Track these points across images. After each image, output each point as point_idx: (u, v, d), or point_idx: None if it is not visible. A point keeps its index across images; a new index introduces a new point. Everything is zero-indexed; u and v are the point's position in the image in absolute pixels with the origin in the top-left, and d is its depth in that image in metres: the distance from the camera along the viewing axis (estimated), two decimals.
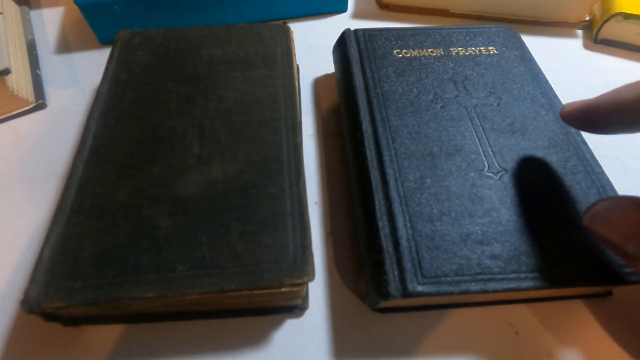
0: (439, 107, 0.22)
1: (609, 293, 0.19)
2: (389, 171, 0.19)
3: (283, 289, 0.16)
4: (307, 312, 0.19)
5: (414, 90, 0.23)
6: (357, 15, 0.34)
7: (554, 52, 0.31)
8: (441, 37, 0.26)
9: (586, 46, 0.31)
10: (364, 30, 0.26)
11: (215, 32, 0.26)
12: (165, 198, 0.18)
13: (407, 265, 0.17)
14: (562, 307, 0.19)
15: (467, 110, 0.22)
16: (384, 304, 0.17)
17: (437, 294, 0.16)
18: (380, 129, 0.21)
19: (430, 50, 0.25)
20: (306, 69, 0.30)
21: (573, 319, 0.19)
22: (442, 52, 0.25)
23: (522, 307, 0.19)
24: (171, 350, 0.18)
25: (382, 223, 0.18)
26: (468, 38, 0.26)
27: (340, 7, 0.34)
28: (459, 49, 0.25)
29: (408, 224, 0.18)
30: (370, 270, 0.17)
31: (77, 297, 0.15)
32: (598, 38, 0.31)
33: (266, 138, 0.21)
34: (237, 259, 0.16)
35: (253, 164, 0.19)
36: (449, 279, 0.16)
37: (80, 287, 0.15)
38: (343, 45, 0.26)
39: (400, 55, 0.25)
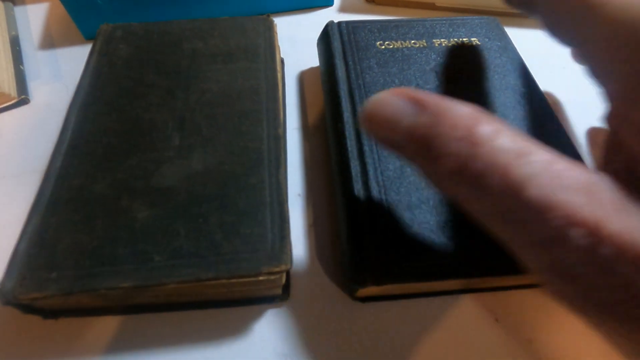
0: None
1: None
2: (369, 161, 0.19)
3: (261, 278, 0.16)
4: (288, 302, 0.19)
5: (396, 81, 0.23)
6: (343, 9, 0.34)
7: (539, 43, 0.31)
8: (424, 28, 0.26)
9: None
10: (347, 23, 0.26)
11: (197, 25, 0.26)
12: (143, 190, 0.18)
13: (385, 253, 0.17)
14: (542, 294, 0.19)
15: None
16: (361, 292, 0.17)
17: (412, 278, 0.16)
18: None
19: (413, 41, 0.25)
20: (292, 63, 0.30)
21: (552, 304, 0.19)
22: (425, 44, 0.25)
23: (502, 295, 0.19)
24: (151, 342, 0.18)
25: (361, 210, 0.18)
26: (451, 29, 0.26)
27: (327, 1, 0.34)
28: (442, 40, 0.25)
29: (387, 213, 0.18)
30: (348, 258, 0.17)
31: (53, 288, 0.15)
32: None
33: (247, 130, 0.20)
34: (215, 248, 0.16)
35: (233, 155, 0.19)
36: (422, 263, 0.16)
37: (56, 277, 0.15)
38: (326, 38, 0.26)
39: (383, 47, 0.25)
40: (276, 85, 0.23)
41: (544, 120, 0.21)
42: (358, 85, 0.23)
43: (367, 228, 0.17)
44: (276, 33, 0.26)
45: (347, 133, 0.21)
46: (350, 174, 0.19)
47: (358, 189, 0.19)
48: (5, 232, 0.21)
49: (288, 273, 0.19)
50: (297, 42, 0.31)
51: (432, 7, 0.34)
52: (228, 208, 0.17)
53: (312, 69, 0.29)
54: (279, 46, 0.28)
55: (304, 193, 0.23)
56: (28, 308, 0.16)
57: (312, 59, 0.30)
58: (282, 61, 0.29)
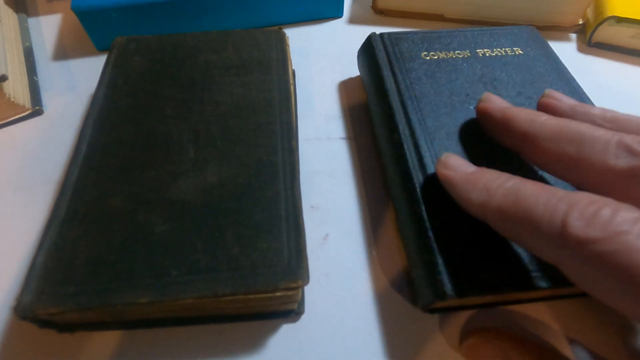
0: (471, 107, 0.22)
1: None
2: (431, 171, 0.19)
3: (278, 293, 0.16)
4: (303, 317, 0.19)
5: (446, 91, 0.23)
6: (352, 20, 0.34)
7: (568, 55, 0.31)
8: (466, 39, 0.26)
9: (580, 49, 0.32)
10: (390, 34, 0.26)
11: (211, 37, 0.26)
12: (160, 203, 0.18)
13: (460, 264, 0.17)
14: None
15: None
16: (439, 304, 0.17)
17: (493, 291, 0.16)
18: (417, 131, 0.21)
19: (457, 52, 0.25)
20: (304, 73, 0.30)
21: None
22: (469, 54, 0.25)
23: (561, 303, 0.19)
24: (167, 356, 0.17)
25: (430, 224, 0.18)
26: (492, 39, 0.26)
27: (336, 13, 0.34)
28: (485, 50, 0.26)
29: None
30: (421, 271, 0.17)
31: (71, 303, 0.15)
32: (591, 41, 0.31)
33: (262, 142, 0.21)
34: (232, 263, 0.16)
35: (248, 168, 0.19)
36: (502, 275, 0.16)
37: (74, 292, 0.15)
38: (370, 50, 0.26)
39: (429, 58, 0.25)
40: (289, 97, 0.23)
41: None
42: (410, 97, 0.23)
43: (440, 241, 0.17)
44: (288, 45, 0.26)
45: (404, 144, 0.21)
46: (414, 185, 0.19)
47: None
48: (20, 244, 0.21)
49: (303, 287, 0.19)
50: (308, 53, 0.31)
51: (442, 18, 0.34)
52: (244, 221, 0.17)
53: (322, 80, 0.30)
54: (291, 58, 0.28)
55: (317, 205, 0.23)
56: (44, 322, 0.16)
57: (323, 69, 0.30)
58: (293, 72, 0.29)
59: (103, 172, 0.19)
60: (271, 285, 0.16)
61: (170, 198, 0.18)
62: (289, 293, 0.16)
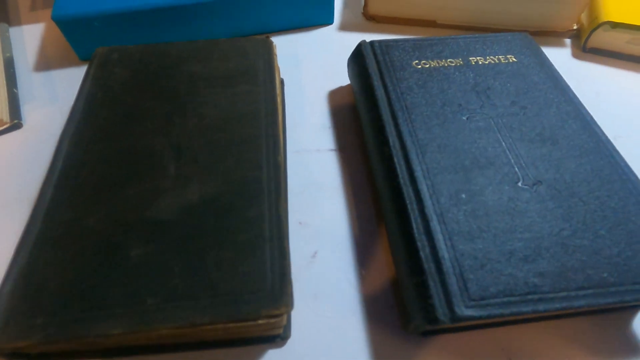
0: (464, 118, 0.21)
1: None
2: (423, 187, 0.19)
3: (260, 321, 0.15)
4: (290, 342, 0.18)
5: (438, 101, 0.22)
6: (343, 27, 0.33)
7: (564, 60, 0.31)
8: (458, 46, 0.26)
9: (575, 55, 0.31)
10: (380, 42, 0.26)
11: (197, 47, 0.25)
12: (137, 224, 0.17)
13: (453, 287, 0.16)
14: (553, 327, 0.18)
15: (493, 120, 0.21)
16: (429, 327, 0.16)
17: (487, 317, 0.15)
18: (408, 144, 0.20)
19: (449, 60, 0.25)
20: (293, 82, 0.29)
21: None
22: (462, 62, 0.25)
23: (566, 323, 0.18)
24: None
25: (422, 243, 0.17)
26: (485, 47, 0.26)
27: (327, 20, 0.33)
28: (478, 58, 0.25)
29: (449, 243, 0.17)
30: (413, 293, 0.17)
31: (38, 336, 0.14)
32: (586, 47, 0.31)
33: (246, 157, 0.20)
34: (211, 289, 0.15)
35: (232, 185, 0.19)
36: (498, 300, 0.15)
37: (42, 324, 0.14)
38: (360, 58, 0.25)
39: (420, 66, 0.24)
40: (276, 109, 0.22)
41: (592, 139, 0.21)
42: (401, 107, 0.22)
43: (431, 261, 0.16)
44: (276, 55, 0.26)
45: (395, 158, 0.20)
46: (405, 202, 0.18)
47: (415, 218, 0.18)
48: None
49: (289, 314, 0.18)
50: (298, 61, 0.31)
51: (434, 24, 0.33)
52: (226, 244, 0.17)
53: (315, 89, 0.29)
54: (278, 67, 0.27)
55: (305, 221, 0.22)
56: (12, 355, 0.15)
57: (314, 78, 0.29)
58: (282, 82, 0.28)
59: (79, 191, 0.18)
60: (253, 313, 0.15)
61: (149, 218, 0.17)
62: (272, 320, 0.15)
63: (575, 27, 0.32)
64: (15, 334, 0.14)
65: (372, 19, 0.34)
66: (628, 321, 0.19)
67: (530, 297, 0.16)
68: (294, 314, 0.19)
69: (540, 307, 0.15)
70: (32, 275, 0.16)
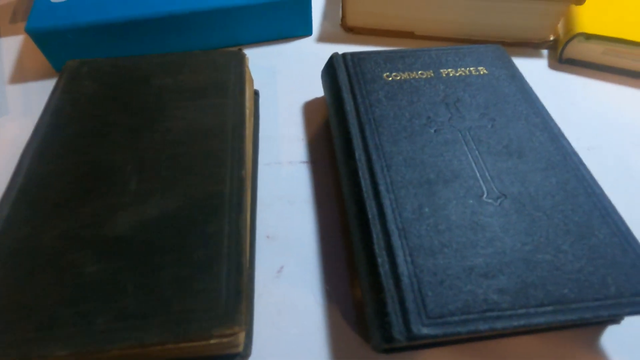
0: (432, 131, 0.21)
1: (619, 319, 0.18)
2: (386, 202, 0.18)
3: (212, 341, 0.15)
4: None
5: (406, 114, 0.22)
6: (322, 38, 0.34)
7: (538, 70, 0.31)
8: (430, 58, 0.26)
9: (551, 66, 0.31)
10: (353, 54, 0.26)
11: (168, 60, 0.25)
12: (94, 240, 0.17)
13: (410, 305, 0.15)
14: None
15: (461, 133, 0.21)
16: (387, 346, 0.16)
17: (443, 335, 0.15)
18: (374, 157, 0.20)
19: (420, 72, 0.25)
20: (270, 94, 0.29)
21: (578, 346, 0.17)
22: (432, 74, 0.25)
23: (534, 338, 0.18)
24: None
25: (382, 259, 0.17)
26: (457, 59, 0.26)
27: (305, 31, 0.33)
28: (449, 70, 0.25)
29: (409, 259, 0.17)
30: (372, 310, 0.16)
31: None
32: (562, 58, 0.31)
33: (210, 171, 0.20)
34: (164, 307, 0.15)
35: (193, 200, 0.18)
36: (456, 318, 0.15)
37: None
38: (332, 70, 0.25)
39: (390, 79, 0.24)
40: (243, 122, 0.22)
41: (559, 152, 0.20)
42: (368, 120, 0.22)
43: (390, 278, 0.16)
44: (248, 67, 0.26)
45: (360, 171, 0.20)
46: (367, 216, 0.18)
47: (377, 232, 0.18)
48: None
49: (248, 332, 0.18)
50: (275, 73, 0.31)
51: (412, 35, 0.33)
52: (182, 260, 0.16)
53: (289, 100, 0.29)
54: (252, 79, 0.27)
55: (274, 234, 0.22)
56: None
57: (291, 89, 0.29)
58: (256, 93, 0.28)
59: (37, 207, 0.18)
60: (204, 333, 0.14)
61: (106, 235, 0.17)
62: (225, 340, 0.15)
63: (552, 38, 0.32)
64: None
65: (350, 31, 0.34)
66: (596, 336, 0.18)
67: (488, 314, 0.15)
68: (257, 330, 0.18)
69: (498, 325, 0.15)
70: None
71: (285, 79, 0.30)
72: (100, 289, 0.15)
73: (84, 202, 0.18)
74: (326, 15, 0.35)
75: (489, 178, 0.19)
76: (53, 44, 0.28)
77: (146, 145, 0.21)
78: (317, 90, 0.29)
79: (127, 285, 0.16)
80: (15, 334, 0.14)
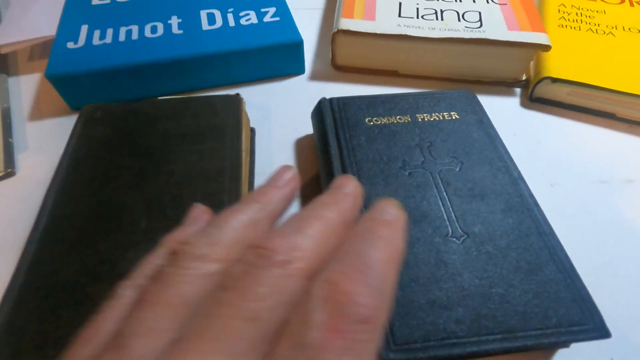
0: (407, 173, 0.24)
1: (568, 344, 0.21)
2: None
3: None
4: None
5: (384, 157, 0.25)
6: (314, 77, 0.37)
7: (494, 110, 0.33)
8: (408, 104, 0.28)
9: (523, 104, 0.34)
10: (339, 99, 0.28)
11: (171, 105, 0.28)
12: (109, 276, 0.20)
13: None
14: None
15: (432, 175, 0.24)
16: None
17: None
18: None
19: (398, 117, 0.27)
20: (264, 131, 0.32)
21: None
22: (409, 119, 0.27)
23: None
24: None
25: None
26: (432, 104, 0.28)
27: (298, 70, 0.36)
28: (425, 115, 0.28)
29: None
30: None
31: None
32: (533, 97, 0.34)
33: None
34: None
35: None
36: (419, 345, 0.18)
37: None
38: (320, 114, 0.28)
39: (372, 123, 0.27)
40: (239, 165, 0.25)
41: (517, 194, 0.23)
42: (350, 163, 0.24)
43: None
44: (244, 110, 0.28)
45: None
46: None
47: None
48: None
49: None
50: (270, 110, 0.33)
51: (396, 74, 0.36)
52: None
53: (284, 136, 0.32)
54: (248, 119, 0.30)
55: None
56: None
57: (284, 125, 0.32)
58: (252, 130, 0.31)
59: (59, 245, 0.21)
60: None
61: (119, 271, 0.20)
62: None
63: (524, 78, 0.35)
64: None
65: (339, 69, 0.37)
66: (548, 359, 0.21)
67: (446, 342, 0.18)
68: None
69: (455, 350, 0.18)
70: (14, 324, 0.18)
71: (279, 116, 0.33)
72: None
73: (100, 240, 0.21)
74: (318, 54, 0.38)
75: (454, 218, 0.22)
76: (69, 87, 0.31)
77: (153, 187, 0.23)
78: (308, 127, 0.32)
79: None
80: (45, 359, 0.17)
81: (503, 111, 0.34)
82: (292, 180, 0.15)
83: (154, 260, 0.14)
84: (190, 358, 0.10)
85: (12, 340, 0.18)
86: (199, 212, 0.16)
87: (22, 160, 0.30)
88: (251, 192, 0.15)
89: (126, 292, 0.13)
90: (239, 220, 0.13)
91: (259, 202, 0.14)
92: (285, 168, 0.16)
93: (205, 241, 0.12)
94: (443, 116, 0.28)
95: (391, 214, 0.14)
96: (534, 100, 0.34)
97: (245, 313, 0.10)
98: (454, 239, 0.21)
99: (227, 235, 0.13)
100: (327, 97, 0.29)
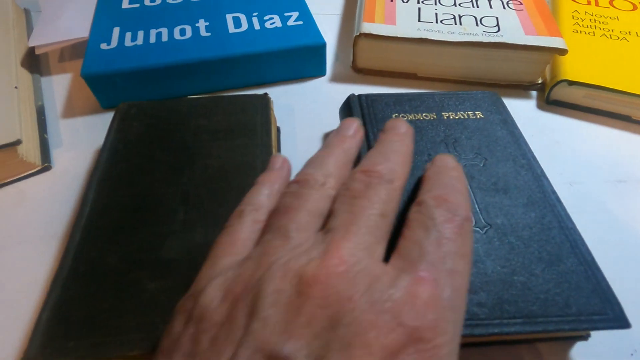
0: None
1: (587, 336, 0.21)
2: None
3: None
4: None
5: None
6: (334, 78, 0.38)
7: (511, 111, 0.34)
8: (434, 102, 0.29)
9: (539, 107, 0.35)
10: (367, 96, 0.30)
11: (202, 103, 0.29)
12: (151, 262, 0.21)
13: None
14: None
15: None
16: None
17: None
18: None
19: (424, 114, 0.28)
20: (288, 129, 0.33)
21: None
22: (435, 116, 0.28)
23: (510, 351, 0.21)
24: None
25: None
26: (457, 103, 0.29)
27: (320, 72, 0.38)
28: (450, 113, 0.29)
29: None
30: None
31: (70, 356, 0.17)
32: (549, 99, 0.35)
33: None
34: None
35: None
36: None
37: (73, 347, 0.18)
38: (348, 109, 0.29)
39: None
40: None
41: (539, 190, 0.24)
42: None
43: None
44: (272, 109, 0.30)
45: None
46: None
47: None
48: (27, 292, 0.23)
49: None
50: (292, 110, 0.35)
51: (414, 77, 0.37)
52: None
53: (306, 134, 0.33)
54: (275, 118, 0.31)
55: None
56: None
57: (307, 124, 0.33)
58: (278, 130, 0.32)
59: (102, 233, 0.22)
60: None
61: (160, 257, 0.21)
62: None
63: (540, 81, 0.36)
64: (52, 354, 0.17)
65: (360, 72, 0.38)
66: (567, 350, 0.21)
67: (469, 322, 0.19)
68: None
69: (477, 331, 0.18)
70: (64, 306, 0.19)
71: (302, 116, 0.34)
72: (159, 302, 0.19)
73: (140, 229, 0.22)
74: (338, 57, 0.40)
75: (477, 210, 0.23)
76: (102, 86, 0.32)
77: (188, 180, 0.24)
78: (331, 125, 0.33)
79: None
80: (96, 338, 0.18)
81: (520, 113, 0.34)
82: (359, 129, 0.21)
83: (261, 190, 0.20)
84: (347, 240, 0.14)
85: (64, 321, 0.18)
86: (281, 160, 0.22)
87: (57, 156, 0.31)
88: (332, 138, 0.21)
89: (248, 217, 0.18)
90: (335, 160, 0.19)
91: (341, 148, 0.20)
92: (351, 120, 0.22)
93: (321, 172, 0.18)
94: (468, 115, 0.29)
95: (452, 162, 0.20)
96: (550, 102, 0.35)
97: (377, 211, 0.16)
98: (477, 229, 0.22)
99: (331, 170, 0.19)
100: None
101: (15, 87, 0.31)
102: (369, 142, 0.26)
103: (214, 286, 0.15)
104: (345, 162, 0.19)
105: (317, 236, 0.15)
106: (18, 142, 0.27)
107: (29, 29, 0.41)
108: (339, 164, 0.19)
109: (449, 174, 0.19)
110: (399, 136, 0.20)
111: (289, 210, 0.17)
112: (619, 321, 0.19)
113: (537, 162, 0.26)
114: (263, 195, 0.19)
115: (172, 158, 0.26)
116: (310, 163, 0.20)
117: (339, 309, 0.13)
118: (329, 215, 0.17)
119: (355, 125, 0.21)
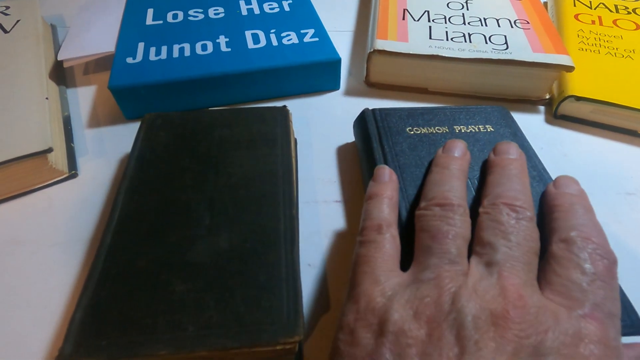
0: None
1: None
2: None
3: (278, 347, 0.19)
4: None
5: (425, 163, 0.27)
6: (348, 92, 0.39)
7: (520, 125, 0.35)
8: (445, 116, 0.31)
9: (547, 121, 0.36)
10: (381, 110, 0.31)
11: (225, 114, 0.31)
12: (179, 265, 0.21)
13: None
14: None
15: (470, 182, 0.26)
16: None
17: None
18: (399, 199, 0.25)
19: (437, 127, 0.30)
20: (305, 141, 0.34)
21: None
22: (447, 130, 0.29)
23: None
24: None
25: None
26: (468, 117, 0.31)
27: (334, 86, 0.39)
28: (461, 126, 0.30)
29: None
30: None
31: (103, 355, 0.18)
32: (557, 114, 0.36)
33: (266, 210, 0.24)
34: (239, 319, 0.19)
35: (254, 234, 0.23)
36: None
37: (106, 345, 0.18)
38: (363, 123, 0.30)
39: (412, 132, 0.29)
40: (291, 169, 0.27)
41: None
42: (394, 167, 0.26)
43: None
44: (291, 121, 0.31)
45: None
46: None
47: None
48: (55, 294, 0.24)
49: (301, 342, 0.22)
50: (307, 123, 0.36)
51: (425, 91, 0.39)
52: (250, 283, 0.21)
53: (320, 145, 0.34)
54: (293, 130, 0.32)
55: (314, 263, 0.26)
56: None
57: (322, 136, 0.34)
58: (295, 141, 0.33)
59: (132, 237, 0.23)
60: (272, 341, 0.18)
61: (188, 260, 0.22)
62: (288, 347, 0.19)
63: (547, 97, 0.37)
64: (86, 352, 0.18)
65: (372, 86, 0.39)
66: None
67: None
68: (307, 343, 0.22)
69: None
70: (97, 306, 0.20)
71: (318, 128, 0.35)
72: (188, 304, 0.20)
73: (168, 233, 0.23)
74: (352, 72, 0.41)
75: None
76: (128, 97, 0.34)
77: (213, 187, 0.25)
78: (346, 137, 0.34)
79: (209, 301, 0.20)
80: (127, 338, 0.19)
81: (529, 127, 0.35)
82: (466, 151, 0.25)
83: (382, 204, 0.22)
84: (516, 277, 0.17)
85: (97, 320, 0.19)
86: (388, 171, 0.24)
87: (83, 164, 0.32)
88: (444, 159, 0.24)
89: (386, 233, 0.20)
90: (460, 183, 0.22)
91: (458, 169, 0.23)
92: (456, 141, 0.25)
93: (454, 195, 0.21)
94: (479, 128, 0.30)
95: (576, 187, 0.22)
96: (558, 117, 0.36)
97: (532, 250, 0.18)
98: None
99: (461, 194, 0.22)
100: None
101: (47, 98, 0.32)
102: (384, 156, 0.27)
103: (401, 305, 0.16)
104: (465, 184, 0.22)
105: (478, 266, 0.18)
106: (50, 150, 0.28)
107: (55, 43, 0.43)
108: (463, 186, 0.22)
109: (582, 205, 0.20)
110: (516, 162, 0.23)
111: (444, 234, 0.19)
112: (637, 327, 0.19)
113: (547, 173, 0.27)
114: (386, 210, 0.21)
115: (198, 166, 0.27)
116: (436, 183, 0.22)
117: (542, 339, 0.15)
118: (477, 242, 0.19)
119: (462, 147, 0.25)
